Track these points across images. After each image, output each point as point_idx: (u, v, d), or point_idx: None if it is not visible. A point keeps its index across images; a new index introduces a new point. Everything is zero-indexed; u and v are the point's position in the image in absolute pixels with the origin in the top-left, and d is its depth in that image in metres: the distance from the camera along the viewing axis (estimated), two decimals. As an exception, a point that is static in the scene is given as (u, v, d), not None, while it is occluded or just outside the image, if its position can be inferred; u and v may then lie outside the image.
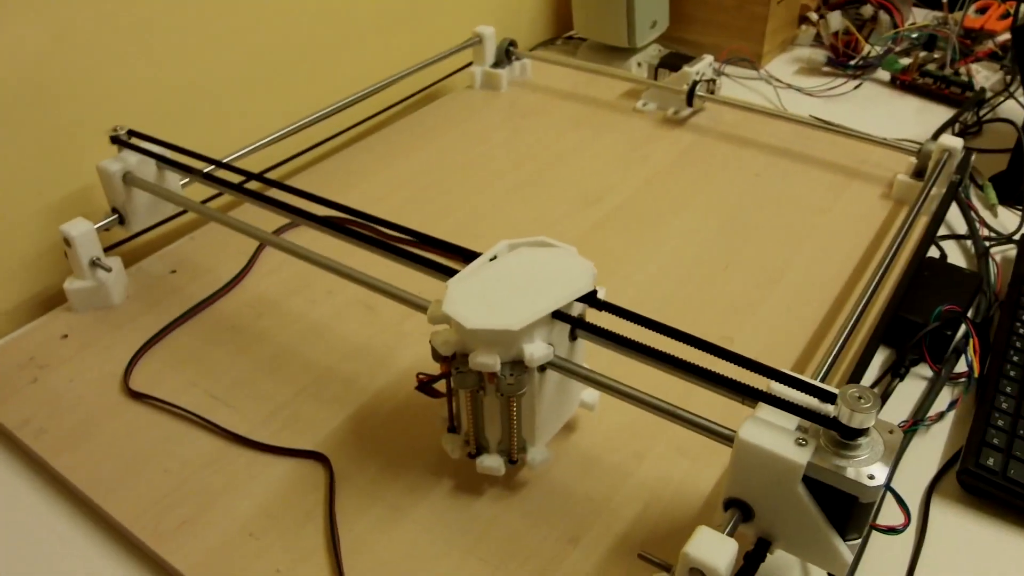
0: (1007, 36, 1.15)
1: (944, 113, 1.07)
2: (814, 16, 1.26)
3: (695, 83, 0.99)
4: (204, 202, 0.78)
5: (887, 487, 0.54)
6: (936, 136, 0.87)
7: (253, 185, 0.73)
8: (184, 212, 0.81)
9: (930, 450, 0.61)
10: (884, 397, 0.65)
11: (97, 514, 0.57)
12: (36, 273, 0.78)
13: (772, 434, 0.44)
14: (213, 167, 0.73)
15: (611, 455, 0.59)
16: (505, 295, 0.50)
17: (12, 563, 0.55)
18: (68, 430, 0.62)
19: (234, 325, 0.72)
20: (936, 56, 1.14)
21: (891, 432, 0.44)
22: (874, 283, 0.66)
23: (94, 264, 0.72)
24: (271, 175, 0.89)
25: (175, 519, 0.55)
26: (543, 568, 0.52)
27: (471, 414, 0.53)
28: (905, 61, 1.14)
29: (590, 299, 0.52)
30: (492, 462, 0.54)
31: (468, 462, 0.56)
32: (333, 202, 0.64)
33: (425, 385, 0.54)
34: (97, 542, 0.56)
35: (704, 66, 1.02)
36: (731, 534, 0.45)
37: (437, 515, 0.56)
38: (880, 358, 0.69)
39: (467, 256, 0.56)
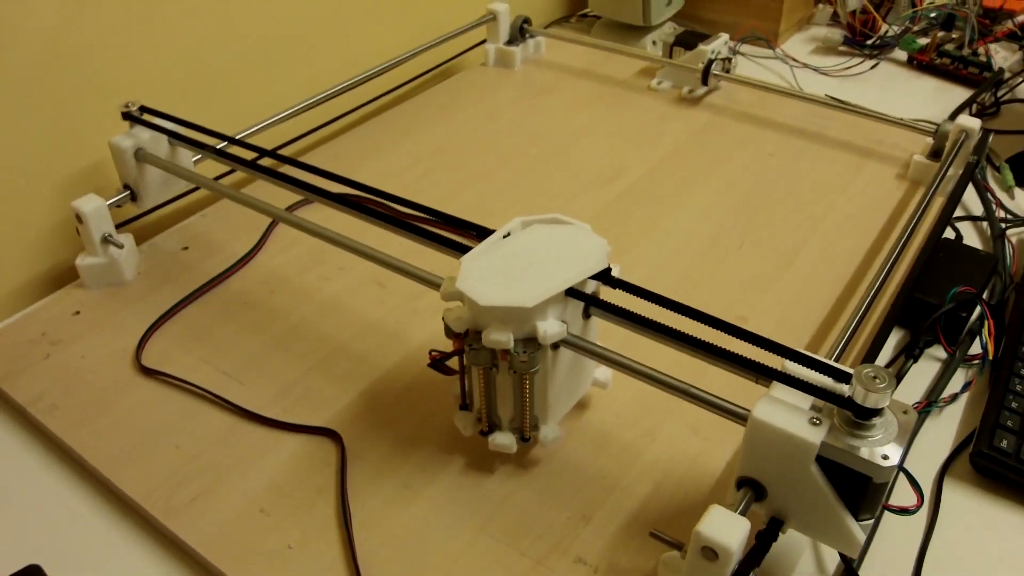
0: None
1: (961, 94, 1.06)
2: (831, -5, 1.25)
3: (711, 62, 0.98)
4: (216, 179, 0.78)
5: (900, 468, 0.54)
6: (953, 117, 0.86)
7: (266, 162, 0.72)
8: (196, 189, 0.80)
9: (943, 432, 0.61)
10: (898, 378, 0.64)
11: (108, 489, 0.57)
12: (48, 249, 0.78)
13: (786, 413, 0.44)
14: (225, 143, 0.73)
15: (623, 433, 0.59)
16: (519, 272, 0.50)
17: (24, 538, 0.55)
18: (80, 406, 0.62)
19: (246, 302, 0.72)
20: (954, 36, 1.13)
21: (905, 412, 0.44)
22: (889, 264, 0.65)
23: (106, 241, 0.72)
24: (284, 152, 0.89)
25: (186, 495, 0.56)
26: (555, 546, 0.52)
27: (484, 392, 0.53)
28: (923, 41, 1.13)
29: (604, 276, 0.52)
30: (504, 440, 0.54)
31: (480, 440, 0.56)
32: (346, 179, 0.63)
33: (438, 362, 0.54)
34: (108, 517, 0.56)
35: (720, 44, 1.01)
36: (743, 513, 0.44)
37: (449, 493, 0.56)
38: (894, 339, 0.68)
39: (481, 233, 0.56)
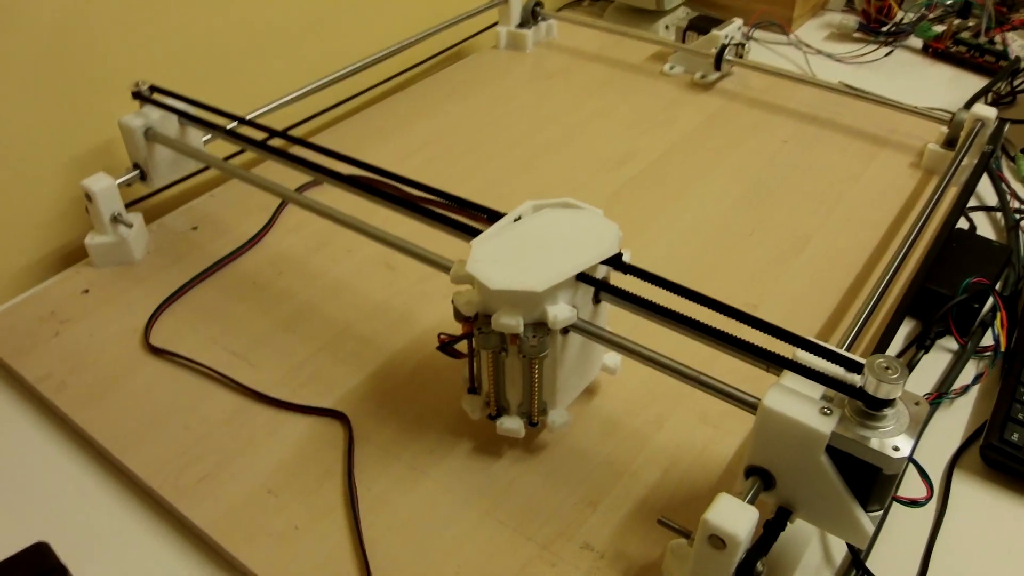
0: (1045, 4, 1.12)
1: (977, 82, 1.04)
2: (846, -19, 1.23)
3: (723, 47, 0.97)
4: (226, 159, 0.78)
5: (910, 459, 0.54)
6: (969, 105, 0.85)
7: (275, 142, 0.72)
8: (206, 168, 0.80)
9: (953, 423, 0.61)
10: (909, 368, 0.64)
11: (116, 468, 0.58)
12: (57, 228, 0.78)
13: (796, 402, 0.43)
14: (235, 124, 0.73)
15: (632, 419, 0.59)
16: (529, 256, 0.50)
17: (32, 516, 0.55)
18: (89, 384, 0.62)
19: (255, 282, 0.71)
20: (971, 24, 1.12)
21: (917, 404, 0.44)
22: (901, 253, 0.65)
23: (115, 220, 0.72)
24: (294, 132, 0.88)
25: (194, 475, 0.56)
26: (562, 531, 0.52)
27: (492, 375, 0.53)
28: (938, 28, 1.12)
29: (615, 262, 0.51)
30: (512, 424, 0.54)
31: (488, 423, 0.56)
32: (356, 160, 0.63)
33: (446, 345, 0.53)
34: (116, 496, 0.56)
35: (733, 30, 1.00)
36: (752, 502, 0.44)
37: (456, 476, 0.56)
38: (906, 329, 0.68)
39: (491, 216, 0.56)
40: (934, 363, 0.65)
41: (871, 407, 0.42)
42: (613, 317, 0.54)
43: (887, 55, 1.12)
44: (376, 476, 0.55)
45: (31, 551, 0.49)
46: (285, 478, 0.55)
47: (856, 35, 1.17)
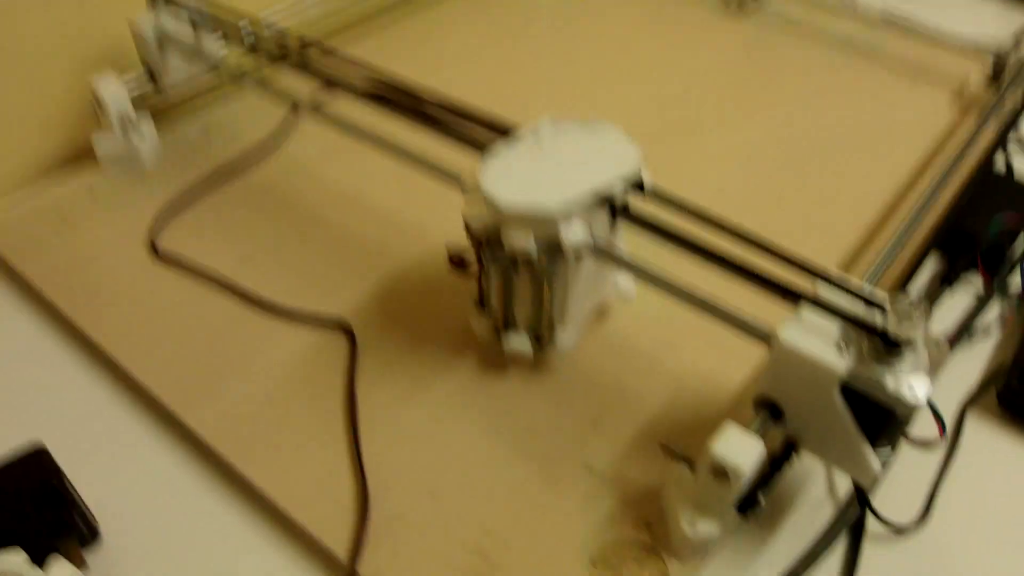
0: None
1: (1025, 17, 1.00)
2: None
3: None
4: (241, 67, 0.75)
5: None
6: (1017, 41, 0.82)
7: (291, 47, 0.70)
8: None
9: (972, 365, 0.59)
10: (929, 299, 0.62)
11: (116, 372, 0.57)
12: (65, 127, 0.76)
13: (813, 338, 0.42)
14: (247, 23, 0.70)
15: (642, 343, 0.58)
16: (545, 174, 0.48)
17: (29, 416, 0.55)
18: (93, 287, 0.62)
19: (265, 191, 0.70)
20: (1023, -46, 1.07)
21: (937, 346, 0.42)
22: (934, 188, 0.63)
23: (124, 121, 0.70)
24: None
25: (195, 381, 0.55)
26: (562, 449, 0.51)
27: (501, 293, 0.52)
28: (989, -42, 1.07)
29: (634, 183, 0.49)
30: (520, 343, 0.53)
31: (495, 341, 0.55)
32: (372, 70, 0.61)
33: (455, 261, 0.52)
34: (115, 400, 0.56)
35: (772, -50, 0.96)
36: (759, 434, 0.43)
37: (459, 392, 0.55)
38: (932, 267, 0.66)
39: (507, 133, 0.54)
40: (958, 303, 0.63)
41: (889, 348, 0.41)
42: (632, 244, 0.52)
43: (932, -16, 1.07)
44: (378, 389, 0.55)
45: (29, 455, 0.49)
46: (286, 388, 0.55)
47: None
